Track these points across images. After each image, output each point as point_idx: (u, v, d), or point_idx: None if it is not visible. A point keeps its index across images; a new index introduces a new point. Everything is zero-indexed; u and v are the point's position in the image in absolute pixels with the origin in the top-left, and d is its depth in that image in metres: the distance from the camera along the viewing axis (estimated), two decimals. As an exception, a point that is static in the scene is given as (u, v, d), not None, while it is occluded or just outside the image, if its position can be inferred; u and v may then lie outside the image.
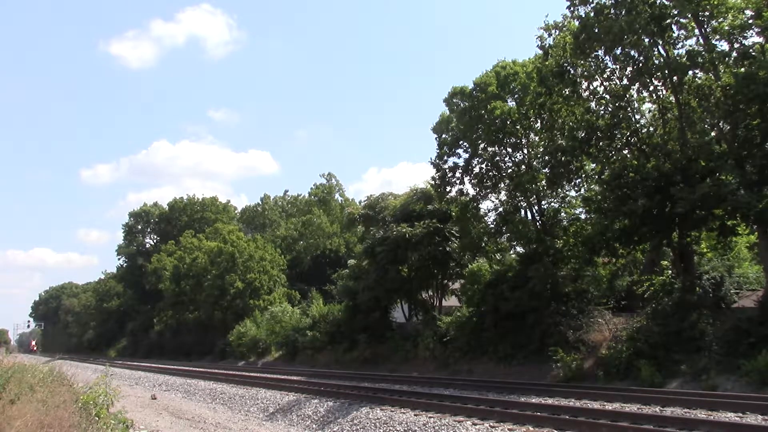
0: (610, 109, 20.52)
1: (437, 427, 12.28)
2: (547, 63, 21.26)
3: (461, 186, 26.85)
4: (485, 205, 26.99)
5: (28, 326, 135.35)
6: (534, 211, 25.60)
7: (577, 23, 20.24)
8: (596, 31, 19.24)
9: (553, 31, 21.22)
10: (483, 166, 26.05)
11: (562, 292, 22.38)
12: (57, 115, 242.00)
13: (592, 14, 19.59)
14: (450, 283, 32.12)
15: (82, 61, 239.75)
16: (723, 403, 12.11)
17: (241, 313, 47.38)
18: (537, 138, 25.13)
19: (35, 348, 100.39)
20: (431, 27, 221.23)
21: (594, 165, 22.26)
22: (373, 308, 30.83)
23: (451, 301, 32.91)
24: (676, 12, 18.34)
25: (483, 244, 27.24)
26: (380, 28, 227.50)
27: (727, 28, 17.61)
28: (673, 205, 17.73)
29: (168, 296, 57.03)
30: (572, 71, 20.86)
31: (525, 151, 25.60)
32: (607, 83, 20.55)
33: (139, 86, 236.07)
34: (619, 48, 19.33)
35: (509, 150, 25.76)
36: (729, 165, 17.10)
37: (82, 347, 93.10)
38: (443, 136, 27.17)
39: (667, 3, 18.47)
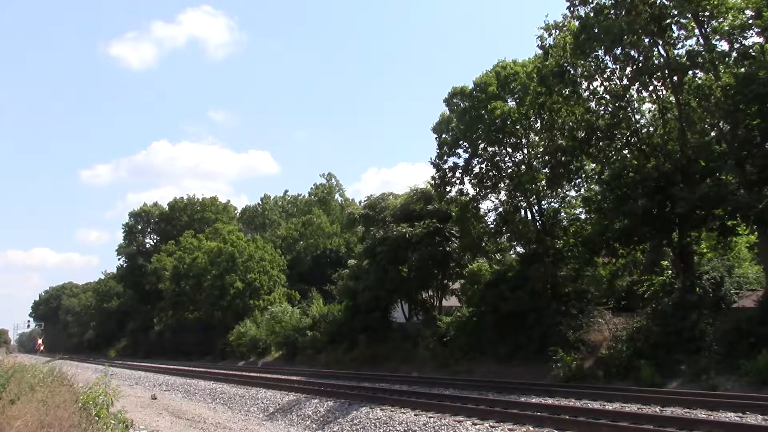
0: (610, 109, 20.51)
1: (437, 427, 12.28)
2: (547, 63, 21.25)
3: (461, 186, 26.85)
4: (485, 205, 27.01)
5: (28, 326, 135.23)
6: (534, 211, 25.58)
7: (577, 23, 20.24)
8: (596, 31, 19.24)
9: (553, 31, 21.21)
10: (483, 166, 26.03)
11: (562, 292, 22.37)
12: (57, 115, 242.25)
13: (592, 14, 19.60)
14: (450, 283, 32.10)
15: (82, 62, 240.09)
16: (723, 403, 12.10)
17: (241, 313, 47.36)
18: (537, 138, 25.12)
19: (41, 348, 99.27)
20: (431, 27, 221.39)
21: (594, 165, 22.26)
22: (373, 308, 30.83)
23: (451, 301, 32.89)
24: (676, 12, 18.34)
25: (483, 244, 27.23)
26: (380, 28, 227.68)
27: (727, 28, 17.61)
28: (673, 205, 17.73)
29: (168, 296, 56.99)
30: (572, 71, 20.84)
31: (525, 151, 25.59)
32: (607, 83, 20.53)
33: (140, 87, 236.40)
34: (619, 48, 19.32)
35: (509, 150, 25.75)
36: (729, 165, 17.11)
37: (82, 347, 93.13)
38: (443, 136, 27.14)
39: (667, 3, 18.47)
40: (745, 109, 16.66)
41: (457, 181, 26.78)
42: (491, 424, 12.05)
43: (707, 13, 17.80)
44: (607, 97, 20.54)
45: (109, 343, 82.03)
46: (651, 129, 20.90)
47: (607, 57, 20.02)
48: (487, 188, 26.17)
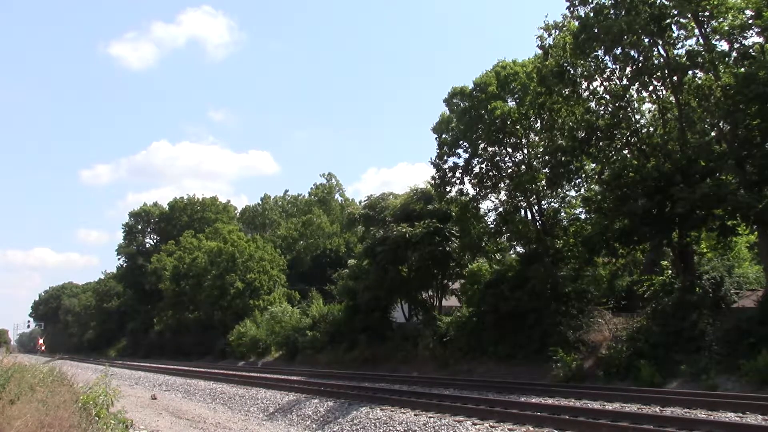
0: (610, 109, 20.53)
1: (437, 427, 12.27)
2: (547, 63, 21.25)
3: (461, 186, 26.89)
4: (485, 205, 27.05)
5: (28, 326, 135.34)
6: (534, 211, 25.60)
7: (576, 23, 20.25)
8: (596, 31, 19.26)
9: (553, 31, 21.22)
10: (483, 166, 26.06)
11: (562, 292, 22.37)
12: (57, 115, 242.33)
13: (591, 14, 19.61)
14: (450, 283, 32.11)
15: (82, 62, 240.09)
16: (723, 403, 12.09)
17: (241, 313, 47.37)
18: (537, 138, 25.14)
19: (43, 347, 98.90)
20: (431, 27, 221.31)
21: (594, 165, 22.27)
22: (373, 308, 30.85)
23: (451, 301, 32.91)
24: (676, 12, 18.35)
25: (483, 244, 27.24)
26: (380, 28, 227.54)
27: (727, 28, 17.61)
28: (673, 205, 17.72)
29: (168, 296, 56.99)
30: (572, 71, 20.85)
31: (525, 151, 25.61)
32: (607, 83, 20.55)
33: (140, 87, 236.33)
34: (619, 48, 19.34)
35: (509, 150, 25.76)
36: (729, 165, 17.10)
37: (82, 347, 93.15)
38: (443, 136, 27.16)
39: (667, 3, 18.47)
40: (745, 109, 16.66)
41: (457, 181, 26.82)
42: (491, 424, 12.04)
43: (707, 13, 17.80)
44: (607, 97, 20.56)
45: (109, 343, 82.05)
46: (651, 129, 20.91)
47: (607, 57, 20.04)
48: (487, 188, 26.19)
